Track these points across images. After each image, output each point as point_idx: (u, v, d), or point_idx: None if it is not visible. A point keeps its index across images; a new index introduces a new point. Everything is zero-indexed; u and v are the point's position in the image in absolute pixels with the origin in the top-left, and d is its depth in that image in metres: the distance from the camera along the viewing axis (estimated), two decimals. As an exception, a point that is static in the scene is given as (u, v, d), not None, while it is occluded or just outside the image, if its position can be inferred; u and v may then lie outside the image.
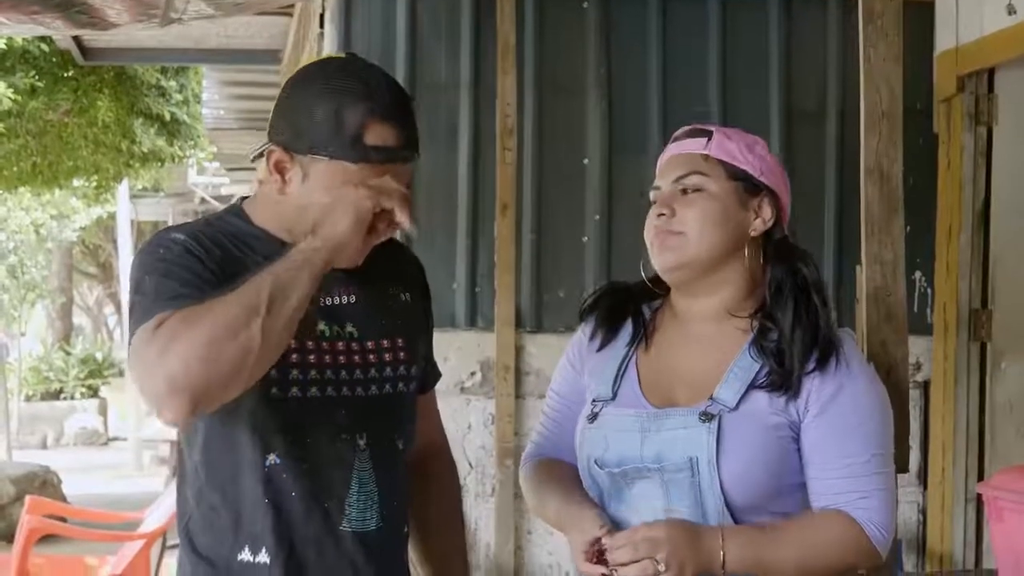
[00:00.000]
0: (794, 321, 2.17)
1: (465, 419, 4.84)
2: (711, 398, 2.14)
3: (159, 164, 10.61)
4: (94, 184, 11.13)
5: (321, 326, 2.10)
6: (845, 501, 2.11)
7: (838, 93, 4.95)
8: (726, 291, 2.21)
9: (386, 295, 2.23)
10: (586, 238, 4.89)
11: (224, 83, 9.83)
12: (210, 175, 15.66)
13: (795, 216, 5.03)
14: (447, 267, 4.86)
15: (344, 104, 2.00)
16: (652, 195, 2.25)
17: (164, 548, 6.77)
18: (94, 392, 18.50)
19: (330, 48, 4.85)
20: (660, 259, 2.20)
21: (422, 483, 2.37)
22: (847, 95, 4.83)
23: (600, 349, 2.33)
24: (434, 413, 2.51)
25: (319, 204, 2.01)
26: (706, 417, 2.11)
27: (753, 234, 2.21)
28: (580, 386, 2.35)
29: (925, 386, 4.91)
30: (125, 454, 15.49)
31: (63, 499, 9.94)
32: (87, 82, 9.14)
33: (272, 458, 2.07)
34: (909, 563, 4.87)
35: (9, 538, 8.04)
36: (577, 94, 4.93)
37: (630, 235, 4.17)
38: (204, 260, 2.00)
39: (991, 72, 4.61)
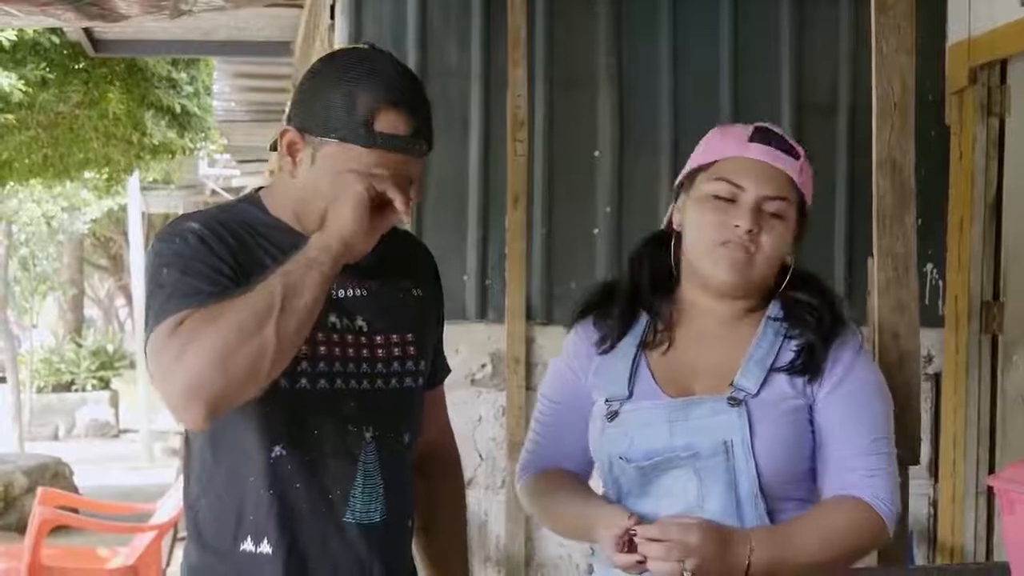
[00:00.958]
0: (818, 300, 2.24)
1: (476, 411, 4.85)
2: (732, 386, 2.17)
3: (170, 156, 10.62)
4: (105, 176, 11.14)
5: (332, 318, 2.10)
6: (855, 480, 2.15)
7: (849, 86, 4.94)
8: (754, 295, 2.26)
9: (397, 289, 2.24)
10: (597, 230, 4.89)
11: (235, 75, 9.84)
12: (221, 167, 15.67)
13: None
14: (458, 259, 4.86)
15: (357, 89, 2.01)
16: (723, 189, 2.21)
17: (175, 539, 6.80)
18: (105, 384, 18.52)
19: (340, 39, 4.85)
20: (732, 268, 2.20)
21: (427, 479, 2.39)
22: (858, 88, 4.81)
23: (606, 351, 2.32)
24: (441, 408, 2.52)
25: (324, 199, 2.03)
26: (734, 402, 2.15)
27: (789, 256, 2.28)
28: (581, 390, 2.35)
29: (936, 378, 4.91)
30: (136, 446, 15.53)
31: (75, 490, 9.97)
32: (98, 74, 9.15)
33: (278, 449, 2.08)
34: (920, 555, 4.87)
35: (21, 529, 8.07)
36: (588, 86, 4.93)
37: (641, 227, 4.17)
38: (220, 252, 2.02)
39: (1003, 63, 4.60)
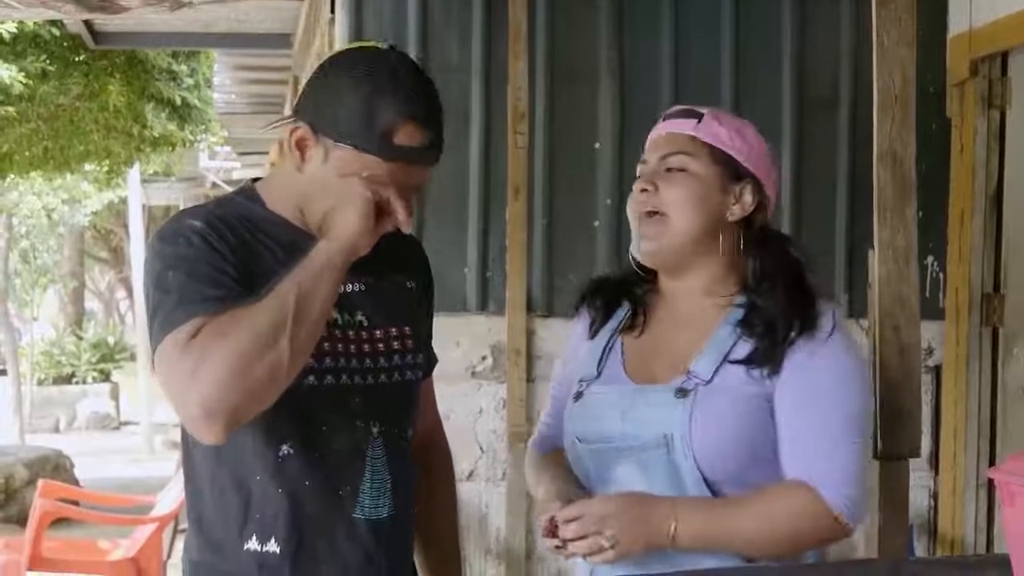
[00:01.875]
0: (782, 301, 2.18)
1: (476, 403, 4.85)
2: (687, 372, 2.16)
3: (170, 148, 10.62)
4: (105, 169, 11.14)
5: (334, 314, 2.10)
6: (810, 468, 2.10)
7: (850, 79, 4.93)
8: (705, 272, 2.25)
9: (393, 283, 2.25)
10: (597, 223, 4.89)
11: (235, 67, 9.84)
12: (221, 160, 15.67)
13: (807, 200, 5.04)
14: (458, 251, 4.86)
15: (379, 99, 2.01)
16: (639, 169, 2.29)
17: (176, 531, 6.80)
18: (106, 376, 18.55)
19: (341, 32, 4.85)
20: (643, 244, 2.24)
21: (422, 471, 2.39)
22: (860, 81, 4.81)
23: (592, 336, 2.38)
24: (432, 399, 2.53)
25: (331, 197, 2.03)
26: (681, 393, 2.14)
27: (731, 219, 2.23)
28: (573, 375, 2.39)
29: (937, 371, 4.91)
30: (137, 438, 15.55)
31: (76, 483, 9.99)
32: (98, 66, 9.14)
33: (285, 448, 2.08)
34: (920, 547, 4.87)
35: (22, 521, 8.08)
36: (589, 79, 4.92)
37: (642, 219, 4.18)
38: (223, 251, 2.01)
39: (1004, 56, 4.59)
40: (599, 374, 2.30)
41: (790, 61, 4.95)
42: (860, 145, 4.68)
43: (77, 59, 9.02)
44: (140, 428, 15.49)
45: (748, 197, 2.22)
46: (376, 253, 2.12)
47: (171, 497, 6.62)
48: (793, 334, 2.15)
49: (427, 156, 2.08)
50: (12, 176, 11.24)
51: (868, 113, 2.89)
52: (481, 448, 4.84)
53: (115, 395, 18.15)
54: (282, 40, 7.93)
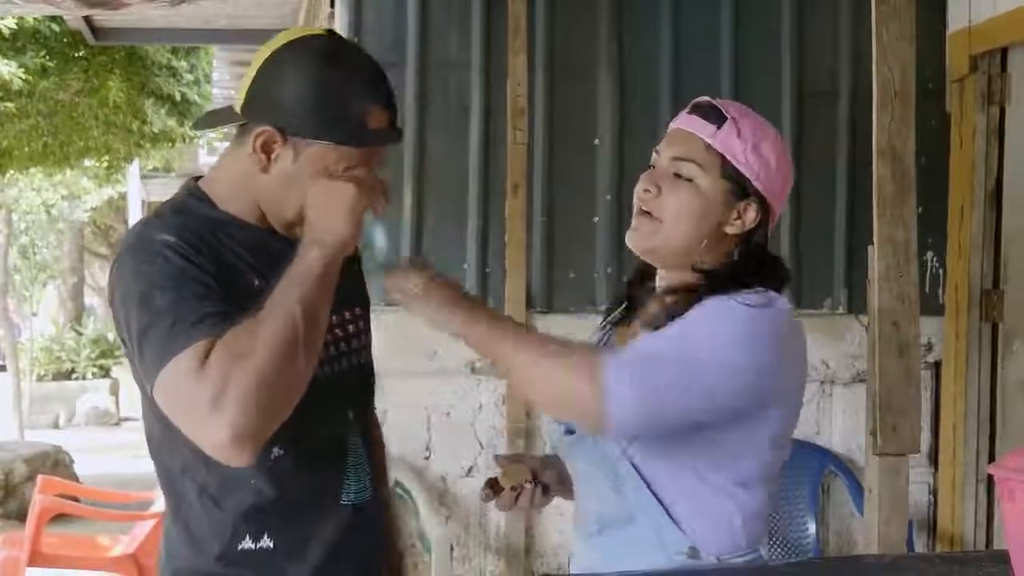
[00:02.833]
0: (715, 281, 2.12)
1: (476, 399, 4.85)
2: None
3: (170, 144, 10.63)
4: (105, 164, 11.15)
5: None
6: (619, 354, 2.03)
7: (850, 73, 4.93)
8: (683, 266, 2.18)
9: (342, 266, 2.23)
10: (597, 218, 4.89)
11: (234, 63, 9.83)
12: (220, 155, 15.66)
13: (807, 196, 5.05)
14: (458, 247, 4.86)
15: (346, 90, 2.02)
16: (652, 157, 2.23)
17: (163, 536, 6.79)
18: (105, 372, 18.53)
19: (341, 28, 4.83)
20: (631, 238, 2.20)
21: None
22: (859, 75, 4.81)
23: (602, 323, 2.40)
24: None
25: (303, 195, 2.02)
26: None
27: (730, 232, 2.17)
28: None
29: (936, 367, 4.91)
30: (136, 434, 15.47)
31: (75, 479, 9.97)
32: (98, 62, 9.14)
33: (276, 450, 2.07)
34: (920, 544, 4.87)
35: (22, 517, 8.07)
36: (588, 74, 4.92)
37: (641, 215, 4.18)
38: (200, 263, 1.98)
39: (1004, 52, 4.60)
40: None
41: (789, 56, 4.95)
42: (860, 138, 4.68)
43: (77, 55, 9.02)
44: (139, 424, 15.46)
45: (751, 215, 2.16)
46: None
47: (171, 493, 6.60)
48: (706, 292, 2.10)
49: (395, 135, 2.10)
50: (12, 172, 11.23)
51: (868, 106, 2.89)
52: (481, 444, 4.84)
53: (115, 391, 18.13)
54: (281, 36, 7.91)
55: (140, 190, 16.48)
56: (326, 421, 2.12)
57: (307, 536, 2.13)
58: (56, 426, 16.65)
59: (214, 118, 2.25)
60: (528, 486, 2.23)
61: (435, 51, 4.87)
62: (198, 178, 2.22)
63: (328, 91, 2.01)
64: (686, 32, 4.93)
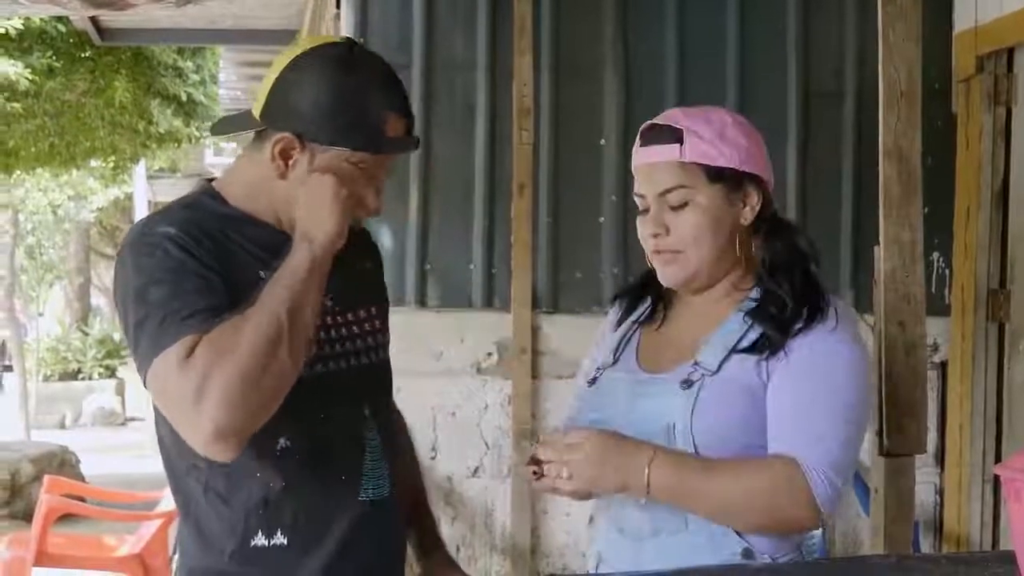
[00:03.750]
0: (791, 290, 2.16)
1: (482, 399, 4.84)
2: (695, 363, 2.16)
3: (176, 145, 10.63)
4: (111, 165, 11.16)
5: None
6: (798, 446, 2.06)
7: (856, 74, 4.92)
8: (732, 273, 2.24)
9: (352, 266, 2.25)
10: (603, 219, 4.88)
11: (240, 63, 9.85)
12: (227, 156, 15.68)
13: (813, 197, 5.03)
14: (464, 247, 4.86)
15: (363, 98, 2.04)
16: (638, 202, 2.25)
17: (177, 534, 6.80)
18: (112, 372, 18.56)
19: (346, 28, 4.84)
20: (666, 276, 2.24)
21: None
22: (865, 76, 4.80)
23: (617, 327, 2.39)
24: None
25: (299, 206, 2.04)
26: (686, 384, 2.14)
27: (744, 223, 2.22)
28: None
29: (943, 367, 4.90)
30: (143, 434, 15.53)
31: (81, 479, 9.99)
32: (104, 63, 9.15)
33: (283, 441, 2.08)
34: (926, 544, 4.87)
35: (28, 517, 8.07)
36: (594, 75, 4.92)
37: (647, 216, 4.18)
38: (201, 256, 2.00)
39: (1010, 52, 4.59)
40: (615, 361, 2.31)
41: (795, 57, 4.94)
42: (866, 138, 4.68)
43: (83, 55, 9.04)
44: (146, 424, 15.48)
45: (754, 197, 2.21)
46: None
47: (177, 493, 6.61)
48: (800, 323, 2.13)
49: (412, 143, 2.13)
50: (18, 172, 11.25)
51: (873, 109, 2.89)
52: (486, 444, 4.84)
53: (120, 391, 18.16)
54: (287, 36, 7.92)
55: (146, 190, 16.49)
56: (341, 417, 2.12)
57: (322, 533, 2.12)
58: (62, 426, 16.68)
59: (232, 123, 2.27)
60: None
61: (441, 52, 4.87)
62: (211, 179, 2.24)
63: (346, 98, 2.03)
64: (691, 32, 4.93)
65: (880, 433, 2.80)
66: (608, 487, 2.06)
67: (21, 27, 8.38)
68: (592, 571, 2.35)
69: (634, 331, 2.34)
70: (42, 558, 6.22)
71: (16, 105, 8.86)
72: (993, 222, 4.64)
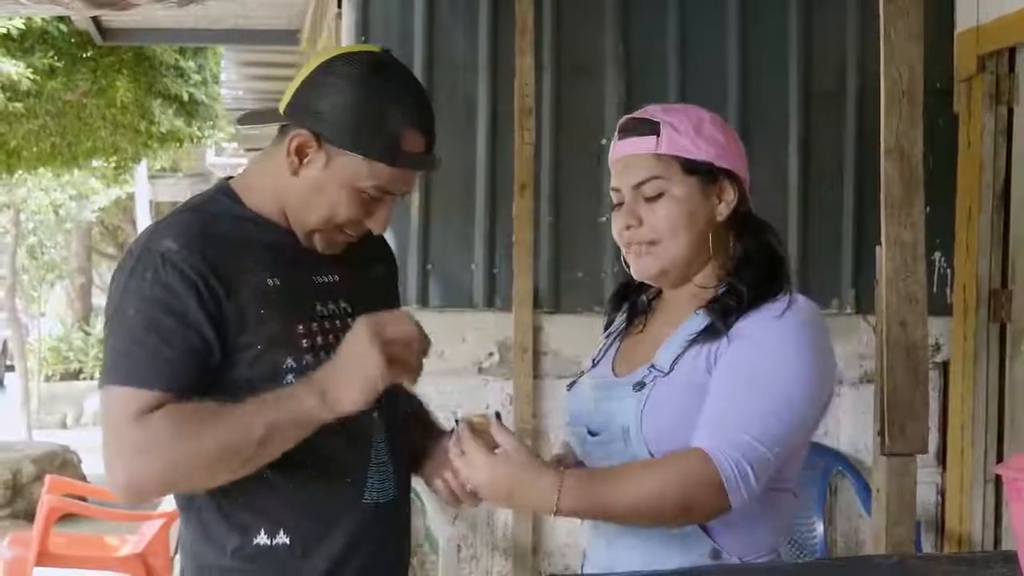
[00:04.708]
0: (753, 283, 2.15)
1: (483, 399, 4.84)
2: (651, 365, 2.17)
3: (177, 145, 10.62)
4: (113, 164, 11.15)
5: (317, 306, 2.14)
6: (713, 434, 2.01)
7: (858, 73, 4.92)
8: (701, 273, 2.23)
9: (365, 271, 2.28)
10: (604, 218, 4.88)
11: (242, 63, 9.84)
12: (228, 156, 15.68)
13: (814, 197, 5.03)
14: (465, 247, 4.86)
15: (387, 109, 2.05)
16: (613, 196, 2.27)
17: (180, 530, 6.80)
18: (113, 372, 18.52)
19: (347, 28, 4.84)
20: (639, 269, 2.25)
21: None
22: (867, 75, 4.80)
23: (606, 333, 2.42)
24: None
25: (328, 200, 2.07)
26: (639, 386, 2.14)
27: (720, 219, 2.21)
28: None
29: (944, 367, 4.90)
30: (144, 434, 15.53)
31: (83, 478, 9.98)
32: (105, 62, 9.14)
33: None
34: (927, 544, 4.87)
35: (29, 517, 8.08)
36: (595, 75, 4.92)
37: (648, 215, 4.18)
38: (198, 284, 2.01)
39: (1012, 51, 4.59)
40: (593, 366, 2.35)
41: (796, 54, 4.94)
42: (867, 138, 4.67)
43: (85, 55, 9.03)
44: (147, 424, 15.47)
45: (729, 193, 2.21)
46: (347, 244, 2.19)
47: (178, 493, 6.61)
48: (744, 304, 2.12)
49: (430, 162, 2.13)
50: (20, 172, 11.24)
51: (875, 106, 2.89)
52: (488, 444, 4.83)
53: (122, 391, 18.13)
54: (289, 36, 7.93)
55: (148, 190, 16.49)
56: (348, 419, 2.12)
57: (325, 534, 2.13)
58: (64, 426, 16.67)
59: (257, 117, 2.30)
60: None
61: (442, 51, 4.87)
62: (230, 178, 2.27)
63: (369, 105, 2.04)
64: (693, 32, 4.93)
65: (882, 433, 2.81)
66: (515, 507, 2.11)
67: (23, 27, 8.37)
68: (580, 570, 2.38)
69: (617, 336, 2.36)
70: (44, 558, 6.23)
71: (18, 105, 8.85)
72: (995, 222, 4.64)
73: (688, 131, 2.19)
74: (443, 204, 4.86)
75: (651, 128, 2.20)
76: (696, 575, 2.03)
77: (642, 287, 2.36)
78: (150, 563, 6.35)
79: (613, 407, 2.18)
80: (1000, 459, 4.55)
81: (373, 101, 2.04)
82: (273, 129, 2.17)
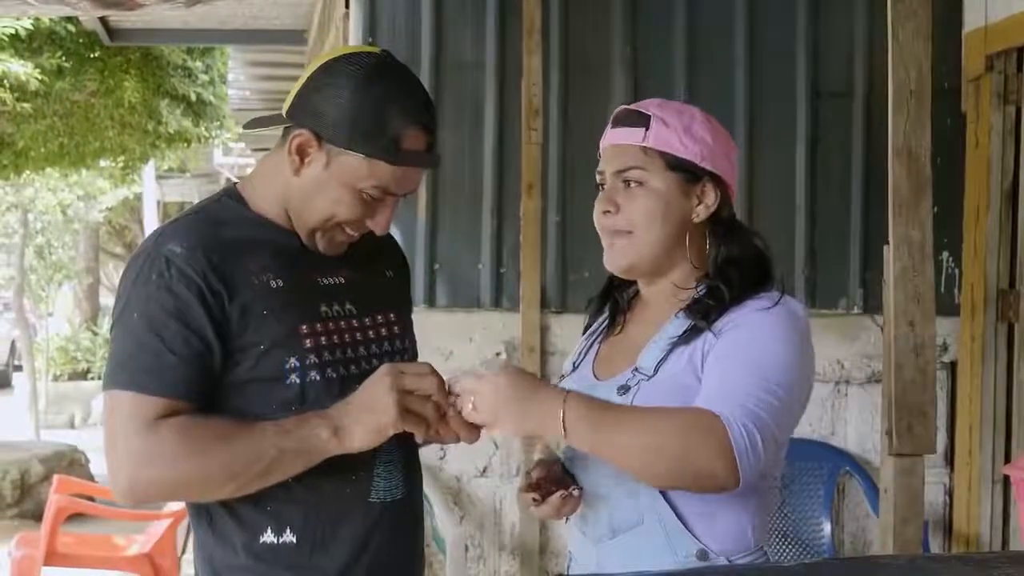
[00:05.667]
0: (738, 281, 2.15)
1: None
2: (635, 368, 2.17)
3: (185, 145, 10.63)
4: (120, 165, 11.16)
5: (322, 307, 2.15)
6: (718, 405, 1.98)
7: (865, 73, 4.92)
8: (675, 272, 2.24)
9: (372, 273, 2.29)
10: (611, 218, 4.88)
11: (249, 63, 9.86)
12: (236, 155, 15.70)
13: (822, 196, 5.02)
14: (472, 247, 4.86)
15: (389, 106, 2.06)
16: (598, 178, 2.29)
17: (191, 527, 6.81)
18: (121, 372, 18.52)
19: (355, 28, 4.85)
20: (609, 260, 2.26)
21: None
22: (875, 75, 4.80)
23: (585, 334, 2.43)
24: None
25: (327, 200, 2.09)
26: (623, 389, 2.14)
27: (696, 220, 2.22)
28: None
29: (952, 367, 4.90)
30: (152, 434, 15.53)
31: (91, 478, 9.98)
32: (113, 63, 9.15)
33: None
34: (935, 544, 4.86)
35: (38, 517, 8.09)
36: (603, 74, 4.92)
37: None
38: (202, 287, 2.03)
39: (1020, 51, 4.58)
40: (574, 370, 2.36)
41: (804, 54, 4.94)
42: (875, 137, 4.67)
43: (93, 56, 9.03)
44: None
45: (711, 195, 2.21)
46: (353, 246, 2.20)
47: (186, 492, 6.61)
48: (727, 301, 2.12)
49: (431, 160, 2.15)
50: (28, 172, 11.25)
51: (883, 108, 2.89)
52: (495, 444, 4.84)
53: (130, 391, 18.13)
54: (296, 36, 7.94)
55: (155, 190, 16.51)
56: None
57: (332, 533, 2.14)
58: (72, 426, 16.67)
59: (261, 121, 2.30)
60: (575, 492, 2.18)
61: (449, 51, 4.88)
62: (237, 182, 2.30)
63: (369, 105, 2.06)
64: (701, 31, 4.93)
65: (889, 433, 2.80)
66: (517, 425, 2.03)
67: (31, 27, 8.38)
68: (566, 571, 2.40)
69: (596, 339, 2.37)
70: (52, 557, 6.24)
71: (26, 105, 8.86)
72: (1003, 222, 4.63)
73: (677, 128, 2.20)
74: (450, 204, 4.86)
75: (642, 120, 2.22)
76: None
77: (623, 286, 2.36)
78: (158, 563, 6.35)
79: None
80: (1008, 459, 4.55)
81: (373, 100, 2.06)
82: (281, 130, 2.18)
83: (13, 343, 20.90)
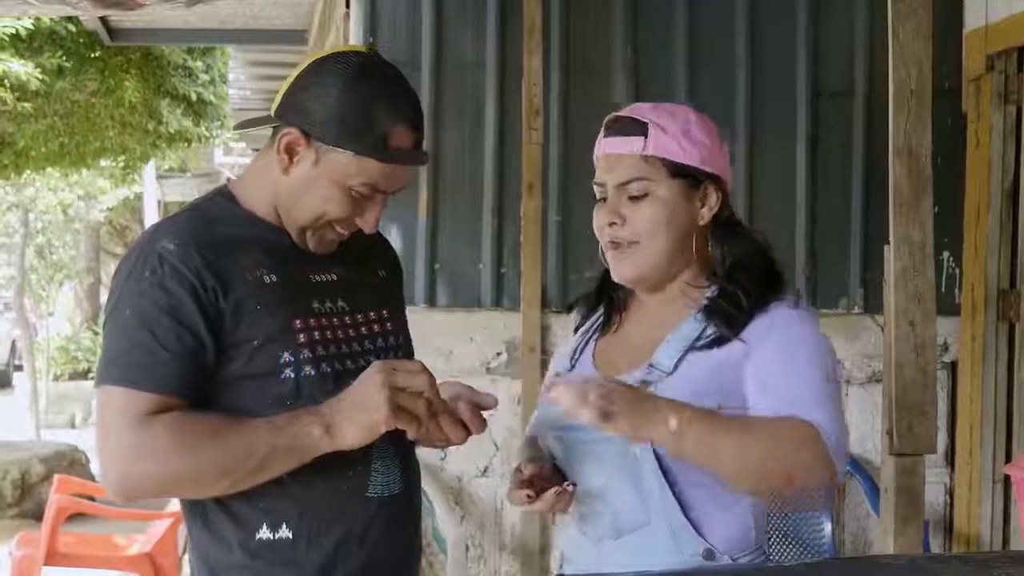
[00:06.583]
0: (751, 285, 2.16)
1: (490, 399, 4.83)
2: (650, 365, 2.15)
3: (185, 144, 10.63)
4: (121, 164, 11.16)
5: (314, 304, 2.16)
6: (806, 413, 2.01)
7: (866, 72, 4.92)
8: (681, 276, 2.24)
9: (364, 272, 2.30)
10: (612, 218, 4.88)
11: (250, 63, 9.86)
12: (236, 155, 15.69)
13: (823, 196, 5.03)
14: (473, 247, 4.86)
15: (376, 104, 2.07)
16: (596, 191, 2.26)
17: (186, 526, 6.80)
18: (121, 372, 18.51)
19: (355, 28, 4.85)
20: (618, 271, 2.24)
21: None
22: (875, 74, 4.80)
23: (575, 331, 2.43)
24: None
25: (316, 198, 2.10)
26: (643, 385, 2.11)
27: (701, 223, 2.22)
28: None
29: (953, 367, 4.90)
30: (152, 433, 15.52)
31: (91, 478, 9.97)
32: (114, 63, 9.15)
33: None
34: (936, 544, 4.86)
35: (38, 517, 8.09)
36: (603, 74, 4.92)
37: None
38: (195, 283, 2.04)
39: (1021, 51, 4.58)
40: (572, 368, 2.33)
41: (805, 53, 4.94)
42: (876, 140, 4.67)
43: (93, 55, 9.04)
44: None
45: (713, 197, 2.21)
46: (344, 246, 2.21)
47: (186, 492, 6.61)
48: (754, 305, 2.13)
49: (419, 157, 2.16)
50: (28, 172, 11.26)
51: (884, 107, 2.89)
52: (496, 444, 4.84)
53: (130, 390, 18.12)
54: (297, 36, 7.94)
55: (156, 190, 16.49)
56: None
57: (328, 528, 2.14)
58: (72, 426, 16.66)
59: (251, 121, 2.32)
60: (570, 488, 2.18)
61: (450, 51, 4.88)
62: (230, 181, 2.31)
63: (356, 102, 2.07)
64: (701, 31, 4.93)
65: (890, 433, 2.80)
66: (638, 428, 1.96)
67: (31, 27, 8.38)
68: (557, 571, 2.37)
69: (591, 336, 2.36)
70: (52, 557, 6.23)
71: (26, 105, 8.86)
72: (1003, 221, 4.63)
73: (676, 133, 2.19)
74: (451, 204, 4.86)
75: (639, 128, 2.20)
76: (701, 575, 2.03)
77: (618, 284, 2.35)
78: (158, 562, 6.35)
79: None
80: (1008, 459, 4.55)
81: (360, 98, 2.07)
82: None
83: (14, 343, 20.90)
